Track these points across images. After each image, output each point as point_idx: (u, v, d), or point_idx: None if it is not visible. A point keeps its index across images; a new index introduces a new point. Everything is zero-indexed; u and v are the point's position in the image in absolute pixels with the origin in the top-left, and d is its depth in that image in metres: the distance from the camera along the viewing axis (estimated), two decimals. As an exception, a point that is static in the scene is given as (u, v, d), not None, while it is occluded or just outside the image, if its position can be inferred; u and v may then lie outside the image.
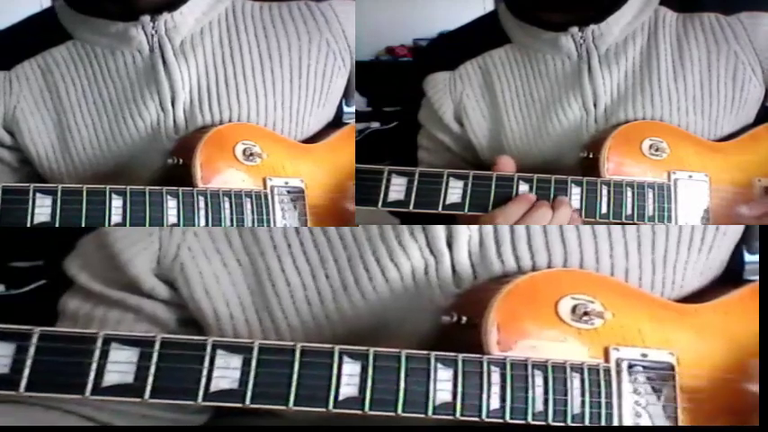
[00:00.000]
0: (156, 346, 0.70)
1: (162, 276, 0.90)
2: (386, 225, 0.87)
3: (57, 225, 0.93)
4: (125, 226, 0.95)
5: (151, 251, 0.89)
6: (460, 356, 0.75)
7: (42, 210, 0.92)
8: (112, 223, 0.94)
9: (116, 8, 1.08)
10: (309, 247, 0.88)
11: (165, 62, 1.09)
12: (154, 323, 0.90)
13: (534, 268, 0.85)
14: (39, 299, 1.89)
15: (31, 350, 0.68)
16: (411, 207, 0.99)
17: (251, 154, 1.07)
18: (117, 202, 0.95)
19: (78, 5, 1.10)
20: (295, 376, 0.71)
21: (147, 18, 1.08)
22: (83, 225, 0.93)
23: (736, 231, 0.93)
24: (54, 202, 0.92)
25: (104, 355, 0.69)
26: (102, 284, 0.91)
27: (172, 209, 0.99)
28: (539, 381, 0.76)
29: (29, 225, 0.92)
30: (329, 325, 0.87)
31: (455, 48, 1.26)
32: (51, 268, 1.86)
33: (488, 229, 0.86)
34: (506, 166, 1.02)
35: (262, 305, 0.88)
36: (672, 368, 0.80)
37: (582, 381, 0.77)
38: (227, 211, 1.03)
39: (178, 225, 0.98)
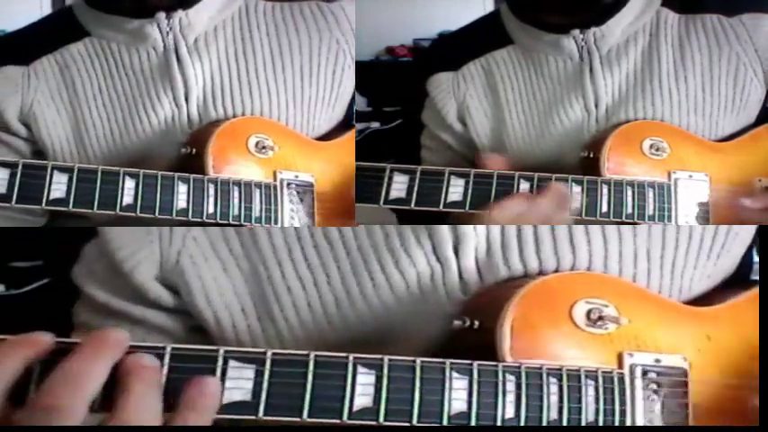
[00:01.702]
0: (166, 359, 0.60)
1: (166, 282, 0.81)
2: (390, 229, 0.77)
3: (71, 202, 0.88)
4: (136, 207, 0.90)
5: (153, 259, 0.80)
6: (476, 364, 0.66)
7: (58, 186, 0.87)
8: (124, 204, 0.89)
9: (132, 5, 1.02)
10: (311, 253, 0.78)
11: (179, 59, 1.03)
12: (163, 334, 0.82)
13: (541, 273, 0.76)
14: (39, 299, 1.80)
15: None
16: (412, 205, 0.91)
17: (263, 147, 1.01)
18: (130, 184, 0.90)
19: (95, 3, 1.04)
20: (309, 387, 0.62)
21: (162, 15, 1.02)
22: (95, 203, 0.88)
23: (746, 236, 0.84)
24: (70, 180, 0.87)
25: None
26: (108, 294, 0.82)
27: (182, 194, 0.93)
28: (553, 388, 0.67)
29: (44, 201, 0.87)
30: (333, 332, 0.78)
31: (458, 48, 1.18)
32: (53, 268, 1.77)
33: (495, 234, 0.77)
34: (495, 163, 0.94)
35: (264, 312, 0.79)
36: (685, 374, 0.71)
37: (596, 388, 0.68)
38: (236, 200, 0.96)
39: (187, 211, 0.92)
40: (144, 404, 0.55)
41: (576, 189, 0.92)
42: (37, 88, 1.03)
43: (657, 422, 0.69)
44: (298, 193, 1.01)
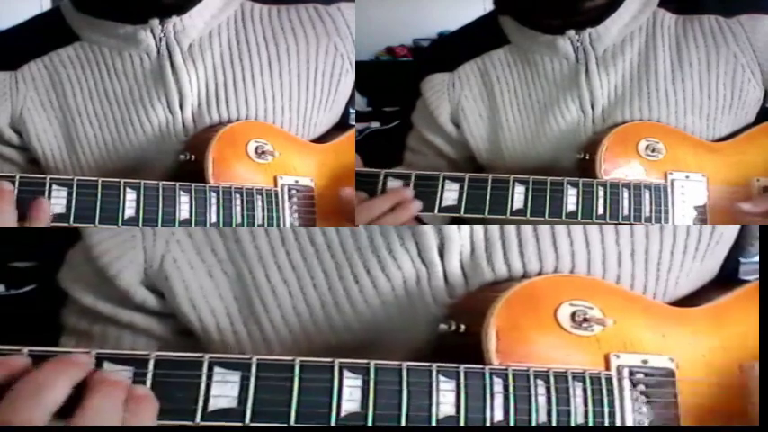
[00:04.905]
0: (150, 366, 0.62)
1: (151, 286, 0.82)
2: (375, 231, 0.79)
3: (71, 217, 0.86)
4: (139, 219, 0.89)
5: (137, 263, 0.82)
6: (462, 368, 0.67)
7: (58, 201, 0.86)
8: (126, 217, 0.89)
9: (124, 10, 1.01)
10: (296, 257, 0.80)
11: (172, 65, 1.02)
12: (151, 337, 0.83)
13: (525, 275, 0.77)
14: (38, 299, 1.80)
15: None
16: (406, 210, 0.93)
17: (263, 152, 1.01)
18: (131, 196, 0.90)
19: (86, 7, 1.03)
20: (295, 392, 0.64)
21: (156, 21, 1.00)
22: (97, 217, 0.87)
23: (730, 237, 0.85)
24: (69, 194, 0.86)
25: None
26: (95, 298, 0.84)
27: (184, 204, 0.93)
28: (541, 390, 0.69)
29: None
30: (319, 335, 0.80)
31: (454, 49, 1.19)
32: (43, 271, 1.79)
33: (479, 236, 0.78)
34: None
35: (249, 316, 0.80)
36: (672, 374, 0.73)
37: (584, 389, 0.70)
38: (239, 208, 0.97)
39: (190, 221, 0.92)
40: (99, 415, 0.57)
41: (572, 191, 0.93)
42: (26, 94, 1.02)
43: (646, 423, 0.70)
44: (298, 198, 1.02)
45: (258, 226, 0.96)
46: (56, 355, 0.60)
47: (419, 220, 0.95)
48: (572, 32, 1.03)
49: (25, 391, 0.56)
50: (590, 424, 0.69)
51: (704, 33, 1.05)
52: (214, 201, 0.95)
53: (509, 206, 0.93)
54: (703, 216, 0.98)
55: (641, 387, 0.71)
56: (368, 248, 0.78)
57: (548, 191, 0.93)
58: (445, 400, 0.66)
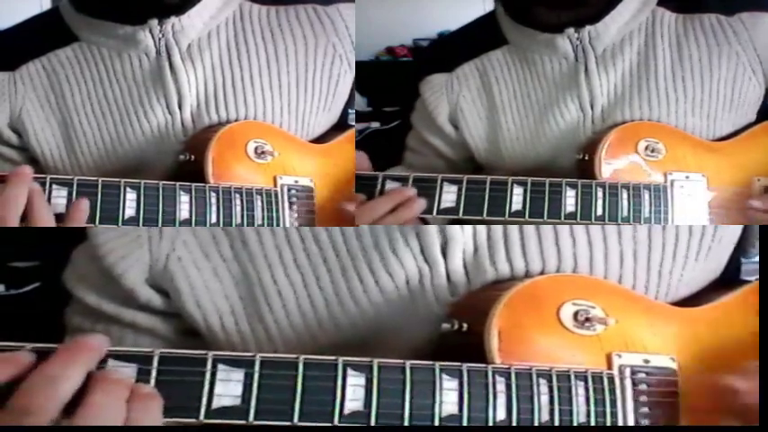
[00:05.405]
0: (155, 363, 0.63)
1: (156, 286, 0.83)
2: (379, 230, 0.80)
3: None
4: (139, 219, 0.90)
5: (143, 263, 0.82)
6: (465, 366, 0.68)
7: (58, 200, 0.86)
8: (126, 217, 0.89)
9: (123, 11, 1.01)
10: (301, 256, 0.80)
11: (171, 65, 1.02)
12: (154, 337, 0.84)
13: (527, 275, 0.77)
14: (38, 299, 1.81)
15: None
16: (405, 212, 0.93)
17: (262, 152, 1.02)
18: (131, 196, 0.90)
19: (85, 8, 1.04)
20: (299, 390, 0.64)
21: (154, 21, 1.01)
22: (97, 217, 0.88)
23: (732, 237, 0.86)
24: (70, 194, 0.87)
25: None
26: (99, 298, 0.84)
27: (184, 203, 0.93)
28: (543, 389, 0.69)
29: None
30: (323, 334, 0.80)
31: (453, 49, 1.19)
32: (47, 270, 1.78)
33: (482, 235, 0.79)
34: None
35: (254, 315, 0.81)
36: (674, 374, 0.73)
37: (586, 389, 0.70)
38: (238, 208, 0.97)
39: (190, 221, 0.93)
40: (102, 413, 0.57)
41: (571, 192, 0.93)
42: (24, 95, 1.03)
43: (647, 422, 0.71)
44: (298, 198, 1.02)
45: (258, 226, 0.97)
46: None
47: (423, 221, 0.96)
48: (571, 31, 1.03)
49: (38, 384, 0.57)
50: (592, 423, 0.69)
51: (705, 32, 1.05)
52: (214, 201, 0.95)
53: (507, 208, 0.93)
54: (703, 217, 0.98)
55: (643, 387, 0.72)
56: (371, 247, 0.79)
57: (546, 192, 0.93)
58: (448, 399, 0.66)
